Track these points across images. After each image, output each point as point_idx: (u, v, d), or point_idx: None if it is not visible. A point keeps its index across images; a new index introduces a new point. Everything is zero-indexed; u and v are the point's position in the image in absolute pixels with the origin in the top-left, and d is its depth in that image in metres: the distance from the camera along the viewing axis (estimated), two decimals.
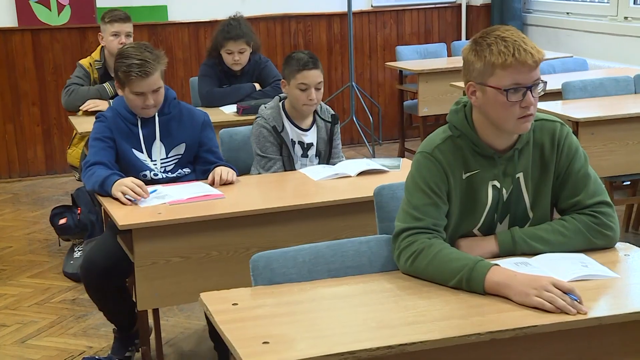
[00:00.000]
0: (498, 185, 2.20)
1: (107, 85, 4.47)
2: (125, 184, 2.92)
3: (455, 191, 2.18)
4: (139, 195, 2.89)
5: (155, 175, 3.19)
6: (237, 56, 4.54)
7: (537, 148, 2.23)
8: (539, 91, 2.15)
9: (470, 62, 2.15)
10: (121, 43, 4.46)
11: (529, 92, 2.11)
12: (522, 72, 2.10)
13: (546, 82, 2.17)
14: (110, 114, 3.20)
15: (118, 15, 4.53)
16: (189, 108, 3.34)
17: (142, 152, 3.19)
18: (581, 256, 2.16)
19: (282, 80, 3.40)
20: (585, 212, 2.22)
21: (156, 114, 3.21)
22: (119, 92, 3.20)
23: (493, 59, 2.10)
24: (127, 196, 2.90)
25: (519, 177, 2.21)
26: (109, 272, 3.04)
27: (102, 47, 4.60)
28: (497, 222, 2.24)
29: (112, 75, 4.53)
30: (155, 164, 3.21)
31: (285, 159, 3.39)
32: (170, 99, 3.25)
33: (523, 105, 2.12)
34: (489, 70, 2.11)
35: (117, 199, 2.92)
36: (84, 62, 4.64)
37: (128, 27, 4.54)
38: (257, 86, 4.61)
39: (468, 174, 2.19)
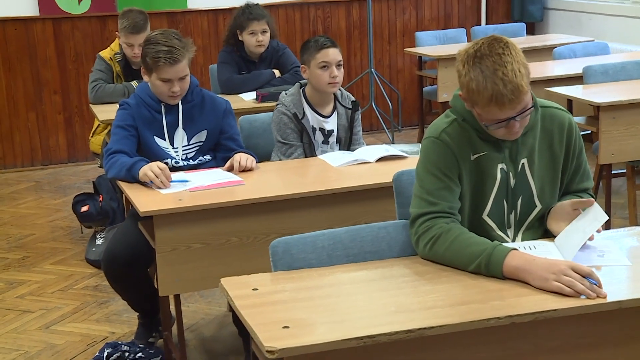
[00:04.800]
0: (505, 168, 2.20)
1: (134, 83, 4.47)
2: (152, 169, 2.96)
3: (465, 173, 2.18)
4: (163, 184, 2.93)
5: (177, 162, 3.21)
6: (260, 37, 4.54)
7: (546, 136, 2.23)
8: (526, 115, 2.11)
9: (460, 77, 2.10)
10: (134, 53, 4.45)
11: (512, 120, 2.09)
12: (503, 110, 2.05)
13: (532, 107, 2.12)
14: (133, 101, 3.23)
15: (132, 27, 4.45)
16: (211, 95, 3.36)
17: (165, 140, 3.21)
18: (602, 243, 2.15)
19: (302, 65, 3.41)
20: (589, 193, 2.34)
21: (180, 101, 3.23)
22: (145, 78, 3.21)
23: (474, 97, 2.06)
24: (151, 182, 2.93)
25: (523, 163, 2.21)
26: (130, 264, 3.07)
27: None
28: (507, 213, 2.23)
29: (133, 67, 4.57)
30: (177, 152, 3.23)
31: (306, 145, 3.40)
32: (193, 87, 3.27)
33: (507, 129, 2.11)
34: (472, 99, 2.09)
35: (144, 182, 2.97)
36: (105, 54, 4.64)
37: (141, 38, 4.36)
38: (277, 73, 4.61)
39: (476, 156, 2.19)
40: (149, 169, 2.96)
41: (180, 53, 3.11)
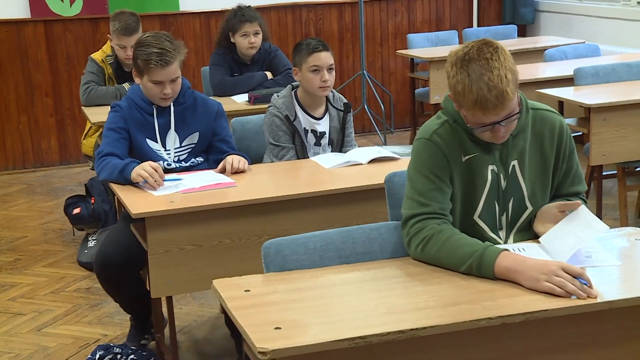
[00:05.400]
0: (496, 170, 2.21)
1: (126, 85, 4.47)
2: (144, 169, 2.96)
3: (456, 175, 2.19)
4: (156, 182, 2.93)
5: (169, 165, 3.21)
6: (253, 38, 4.55)
7: (537, 138, 2.24)
8: (512, 120, 2.12)
9: (449, 78, 2.11)
10: (127, 55, 4.45)
11: (497, 125, 2.10)
12: (487, 115, 2.07)
13: (519, 113, 2.13)
14: (125, 103, 3.22)
15: (124, 29, 4.45)
16: (203, 97, 3.36)
17: (157, 142, 3.21)
18: (590, 244, 2.16)
19: (294, 68, 3.41)
20: (582, 198, 2.33)
21: (171, 103, 3.23)
22: (137, 80, 3.21)
23: (460, 99, 2.08)
24: (145, 181, 2.93)
25: (514, 165, 2.22)
26: (122, 266, 3.07)
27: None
28: (499, 214, 2.24)
29: (125, 69, 4.57)
30: (169, 154, 3.23)
31: (298, 147, 3.41)
32: (185, 89, 3.27)
33: (492, 133, 2.12)
34: (458, 101, 2.11)
35: (136, 184, 2.97)
36: (96, 57, 4.64)
37: (134, 40, 4.36)
38: (269, 75, 4.62)
39: (467, 157, 2.20)
40: (142, 169, 2.96)
41: (171, 55, 3.11)
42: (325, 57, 3.35)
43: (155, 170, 2.96)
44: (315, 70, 3.34)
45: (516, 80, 2.08)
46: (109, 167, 3.05)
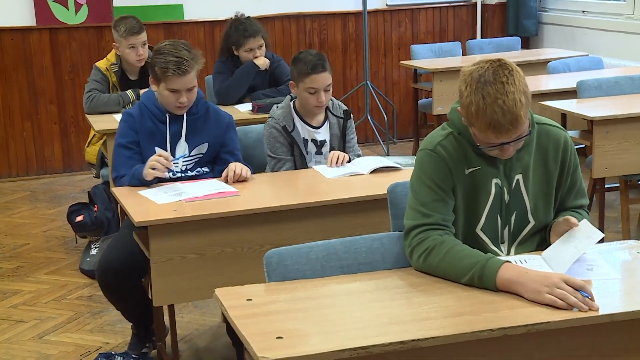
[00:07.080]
0: (500, 183, 2.21)
1: (129, 92, 4.47)
2: (152, 160, 3.04)
3: (459, 187, 2.20)
4: (168, 161, 3.03)
5: (174, 174, 3.22)
6: (258, 53, 4.56)
7: (540, 153, 2.25)
8: (521, 141, 2.14)
9: (461, 97, 2.12)
10: (139, 54, 4.47)
11: (507, 145, 2.11)
12: (499, 137, 2.08)
13: (529, 133, 2.14)
14: (137, 111, 3.24)
15: (131, 28, 4.46)
16: (215, 108, 3.37)
17: (166, 150, 3.22)
18: (591, 257, 2.16)
19: (291, 81, 3.41)
20: (585, 211, 2.34)
21: (185, 112, 3.24)
22: (153, 87, 3.23)
23: (472, 120, 2.09)
24: (156, 169, 3.02)
25: (518, 179, 2.22)
26: (124, 274, 3.08)
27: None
28: (501, 228, 2.24)
29: (130, 77, 4.58)
30: (177, 164, 3.23)
31: (297, 158, 3.41)
32: (199, 99, 3.28)
33: (501, 151, 2.14)
34: (470, 121, 2.11)
35: (150, 183, 3.07)
36: (101, 65, 4.64)
37: (143, 37, 4.47)
38: (258, 62, 4.57)
39: (471, 170, 2.20)
40: (150, 161, 3.03)
41: (189, 64, 3.13)
42: (323, 79, 3.31)
43: (160, 155, 3.03)
44: (312, 92, 3.33)
45: (529, 102, 2.09)
46: (126, 180, 3.12)
